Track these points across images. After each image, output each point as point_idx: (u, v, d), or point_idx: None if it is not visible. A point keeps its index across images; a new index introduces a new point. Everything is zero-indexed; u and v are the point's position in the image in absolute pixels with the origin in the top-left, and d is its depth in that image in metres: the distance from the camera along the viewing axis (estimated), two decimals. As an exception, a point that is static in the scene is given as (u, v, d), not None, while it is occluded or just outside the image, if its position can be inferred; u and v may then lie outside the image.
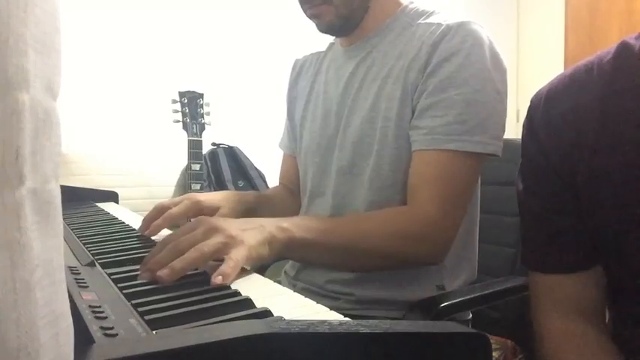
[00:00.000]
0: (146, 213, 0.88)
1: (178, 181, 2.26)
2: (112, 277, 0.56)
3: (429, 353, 0.36)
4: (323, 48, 1.09)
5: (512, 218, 0.87)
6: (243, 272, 0.63)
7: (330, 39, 1.05)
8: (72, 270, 0.55)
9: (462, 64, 0.81)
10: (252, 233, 0.66)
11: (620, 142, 0.60)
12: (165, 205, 0.86)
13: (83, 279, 0.52)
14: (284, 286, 0.58)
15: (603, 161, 0.61)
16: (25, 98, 0.21)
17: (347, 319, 0.40)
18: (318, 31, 0.94)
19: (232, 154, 2.34)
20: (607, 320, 0.71)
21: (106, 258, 0.65)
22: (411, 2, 0.95)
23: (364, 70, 0.92)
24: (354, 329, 0.34)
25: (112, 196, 1.40)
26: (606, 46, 0.64)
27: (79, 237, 0.79)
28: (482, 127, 0.80)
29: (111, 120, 2.13)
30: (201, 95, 1.98)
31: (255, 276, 0.62)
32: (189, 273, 0.58)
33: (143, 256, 0.67)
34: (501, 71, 0.84)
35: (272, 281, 0.60)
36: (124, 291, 0.50)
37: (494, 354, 1.04)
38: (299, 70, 1.12)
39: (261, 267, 1.07)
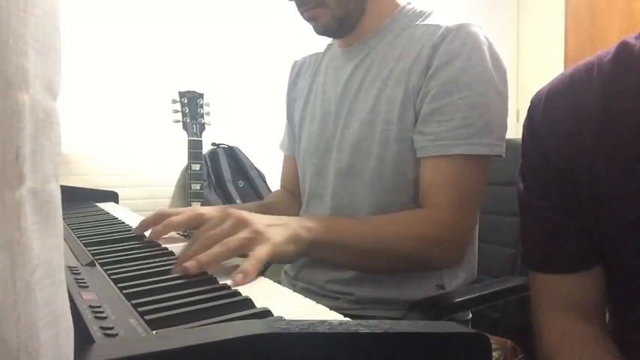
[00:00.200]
0: (146, 213, 0.87)
1: (178, 181, 2.26)
2: (112, 277, 0.56)
3: (429, 353, 0.36)
4: (322, 49, 1.09)
5: (512, 218, 0.87)
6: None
7: (328, 40, 1.05)
8: (72, 270, 0.55)
9: (463, 67, 0.81)
10: (277, 230, 0.68)
11: (620, 142, 0.60)
12: (166, 213, 0.86)
13: (83, 279, 0.52)
14: (284, 286, 0.58)
15: (603, 161, 0.61)
16: (25, 98, 0.21)
17: (347, 319, 0.40)
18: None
19: (232, 154, 2.34)
20: (607, 320, 0.71)
21: (106, 258, 0.65)
22: (409, 3, 0.95)
23: (363, 71, 0.92)
24: (354, 329, 0.34)
25: (112, 196, 1.40)
26: (606, 46, 0.64)
27: (79, 237, 0.79)
28: (487, 130, 0.81)
29: (111, 120, 2.13)
30: (201, 95, 1.98)
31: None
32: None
33: (143, 256, 0.67)
34: (502, 72, 0.85)
35: (272, 281, 0.60)
36: (124, 291, 0.50)
37: (494, 354, 1.04)
38: (297, 71, 1.12)
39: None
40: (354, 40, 0.95)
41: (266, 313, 0.45)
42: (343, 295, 0.90)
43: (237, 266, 0.60)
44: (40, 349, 0.21)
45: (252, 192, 2.29)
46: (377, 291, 0.88)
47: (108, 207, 1.23)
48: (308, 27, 0.95)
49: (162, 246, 0.75)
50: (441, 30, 0.84)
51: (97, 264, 0.62)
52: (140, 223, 0.85)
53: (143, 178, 2.18)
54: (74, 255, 0.67)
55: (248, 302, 0.47)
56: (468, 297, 0.89)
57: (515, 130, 0.82)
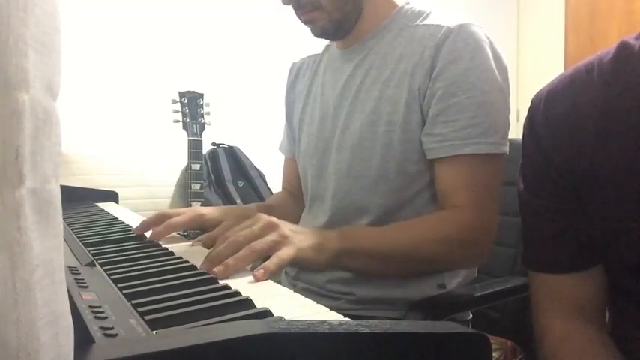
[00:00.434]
0: (146, 213, 0.88)
1: (178, 181, 2.26)
2: (112, 277, 0.56)
3: (429, 353, 0.36)
4: (321, 50, 1.09)
5: (512, 218, 0.87)
6: (244, 272, 0.63)
7: (326, 41, 1.05)
8: (72, 270, 0.55)
9: (467, 67, 0.81)
10: (303, 236, 0.71)
11: (620, 142, 0.60)
12: (167, 214, 0.86)
13: (83, 279, 0.52)
14: (284, 286, 0.58)
15: (603, 161, 0.61)
16: (25, 98, 0.21)
17: (347, 319, 0.40)
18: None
19: (232, 154, 2.34)
20: (607, 320, 0.71)
21: (106, 258, 0.65)
22: (407, 3, 0.95)
23: (362, 72, 0.92)
24: (354, 329, 0.34)
25: (112, 196, 1.40)
26: (606, 46, 0.64)
27: (79, 237, 0.79)
28: (493, 129, 0.82)
29: (111, 120, 2.13)
30: (201, 95, 1.98)
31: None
32: (190, 273, 0.58)
33: (143, 256, 0.67)
34: (503, 70, 0.85)
35: (272, 281, 0.60)
36: (124, 291, 0.50)
37: (495, 354, 1.04)
38: (296, 72, 1.12)
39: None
40: (352, 42, 0.95)
41: (266, 313, 0.45)
42: (343, 295, 0.90)
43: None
44: (40, 349, 0.21)
45: (252, 192, 2.29)
46: (377, 291, 0.88)
47: (108, 207, 1.23)
48: (307, 28, 0.95)
49: (163, 246, 0.75)
50: (443, 30, 0.84)
51: (97, 264, 0.62)
52: (141, 223, 0.85)
53: (143, 178, 2.18)
54: (74, 255, 0.67)
55: (248, 302, 0.47)
56: (468, 297, 0.89)
57: (515, 130, 0.82)
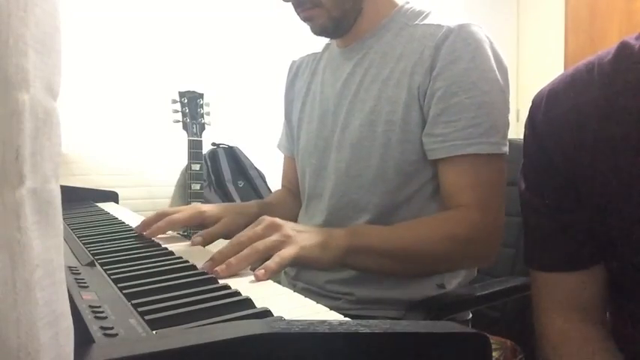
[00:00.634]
0: (146, 213, 0.88)
1: (178, 181, 2.26)
2: (112, 277, 0.56)
3: (429, 353, 0.36)
4: (321, 48, 1.09)
5: (513, 218, 0.87)
6: (244, 272, 0.63)
7: (327, 39, 1.05)
8: (72, 270, 0.55)
9: (467, 67, 0.81)
10: (307, 235, 0.70)
11: (621, 142, 0.60)
12: (167, 212, 0.87)
13: (83, 279, 0.52)
14: (284, 286, 0.58)
15: (604, 160, 0.61)
16: (25, 98, 0.21)
17: (347, 319, 0.40)
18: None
19: (232, 154, 2.34)
20: (607, 318, 0.71)
21: (106, 258, 0.65)
22: (407, 2, 0.95)
23: (362, 71, 0.92)
24: (354, 329, 0.34)
25: (112, 196, 1.41)
26: (606, 46, 0.65)
27: (79, 237, 0.79)
28: (494, 129, 0.82)
29: (111, 120, 2.13)
30: (201, 95, 1.98)
31: (255, 276, 0.62)
32: (190, 273, 0.58)
33: (143, 256, 0.67)
34: (503, 70, 0.85)
35: (272, 281, 0.60)
36: (124, 291, 0.50)
37: (495, 354, 1.04)
38: (295, 71, 1.12)
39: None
40: (352, 40, 0.95)
41: (266, 313, 0.45)
42: (343, 295, 0.90)
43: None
44: (40, 349, 0.21)
45: (252, 192, 2.29)
46: (377, 291, 0.88)
47: (108, 207, 1.23)
48: (307, 27, 0.95)
49: (163, 246, 0.75)
50: (443, 30, 0.84)
51: (97, 264, 0.62)
52: (142, 222, 0.85)
53: (143, 178, 2.18)
54: (74, 255, 0.67)
55: (248, 302, 0.47)
56: (468, 297, 0.89)
57: (515, 130, 0.82)
